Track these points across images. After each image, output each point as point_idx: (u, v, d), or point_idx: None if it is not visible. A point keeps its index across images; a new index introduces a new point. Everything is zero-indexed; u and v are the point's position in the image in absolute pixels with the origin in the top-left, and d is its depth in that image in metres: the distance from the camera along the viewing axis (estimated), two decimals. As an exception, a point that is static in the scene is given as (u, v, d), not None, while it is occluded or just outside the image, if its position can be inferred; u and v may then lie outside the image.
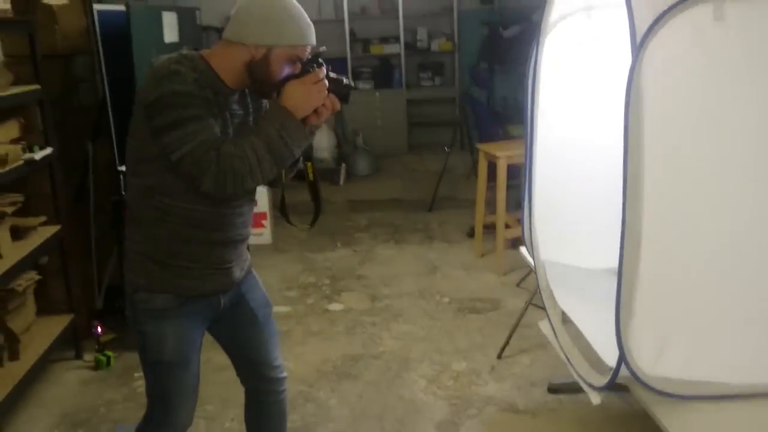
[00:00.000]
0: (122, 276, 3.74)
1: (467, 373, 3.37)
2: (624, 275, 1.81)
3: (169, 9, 4.24)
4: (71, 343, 3.62)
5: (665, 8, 1.66)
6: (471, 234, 5.13)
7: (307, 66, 1.87)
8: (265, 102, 2.04)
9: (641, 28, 1.68)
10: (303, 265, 4.92)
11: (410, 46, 8.18)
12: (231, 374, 3.55)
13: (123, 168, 3.49)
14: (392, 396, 3.21)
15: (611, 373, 1.98)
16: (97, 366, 3.53)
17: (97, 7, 3.50)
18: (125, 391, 3.32)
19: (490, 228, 4.79)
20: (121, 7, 3.51)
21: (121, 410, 3.16)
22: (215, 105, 1.83)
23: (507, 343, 3.52)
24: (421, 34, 8.20)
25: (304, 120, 1.86)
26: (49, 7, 3.70)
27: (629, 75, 1.69)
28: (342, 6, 7.89)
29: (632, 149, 1.73)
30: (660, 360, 1.87)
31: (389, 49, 8.16)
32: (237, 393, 3.23)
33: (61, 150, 3.53)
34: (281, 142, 1.80)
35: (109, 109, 3.54)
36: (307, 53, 1.90)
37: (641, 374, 1.89)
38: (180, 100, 1.76)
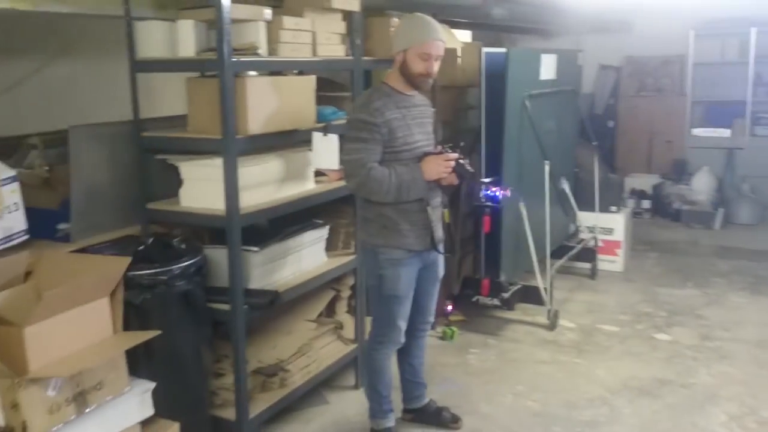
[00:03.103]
0: (475, 269, 4.59)
1: (775, 422, 3.32)
2: None
3: (550, 52, 4.90)
4: (428, 315, 4.50)
5: None
6: (843, 297, 4.72)
7: (447, 150, 2.83)
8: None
9: None
10: (644, 296, 5.10)
11: (825, 93, 7.49)
12: (545, 368, 4.16)
13: (486, 180, 4.26)
14: (686, 422, 3.34)
15: None
16: (443, 337, 4.34)
17: (485, 49, 4.32)
18: (458, 360, 4.05)
19: None
20: (504, 50, 4.28)
21: (450, 371, 3.90)
22: (400, 116, 2.77)
23: (832, 405, 3.33)
24: (841, 80, 7.45)
25: (434, 181, 2.82)
26: (453, 49, 4.67)
27: None
28: (748, 48, 7.60)
29: None
30: None
31: (799, 94, 7.59)
32: (544, 382, 3.78)
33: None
34: (405, 188, 2.76)
35: (483, 133, 4.34)
36: (435, 47, 2.72)
37: None
38: (358, 125, 2.75)
